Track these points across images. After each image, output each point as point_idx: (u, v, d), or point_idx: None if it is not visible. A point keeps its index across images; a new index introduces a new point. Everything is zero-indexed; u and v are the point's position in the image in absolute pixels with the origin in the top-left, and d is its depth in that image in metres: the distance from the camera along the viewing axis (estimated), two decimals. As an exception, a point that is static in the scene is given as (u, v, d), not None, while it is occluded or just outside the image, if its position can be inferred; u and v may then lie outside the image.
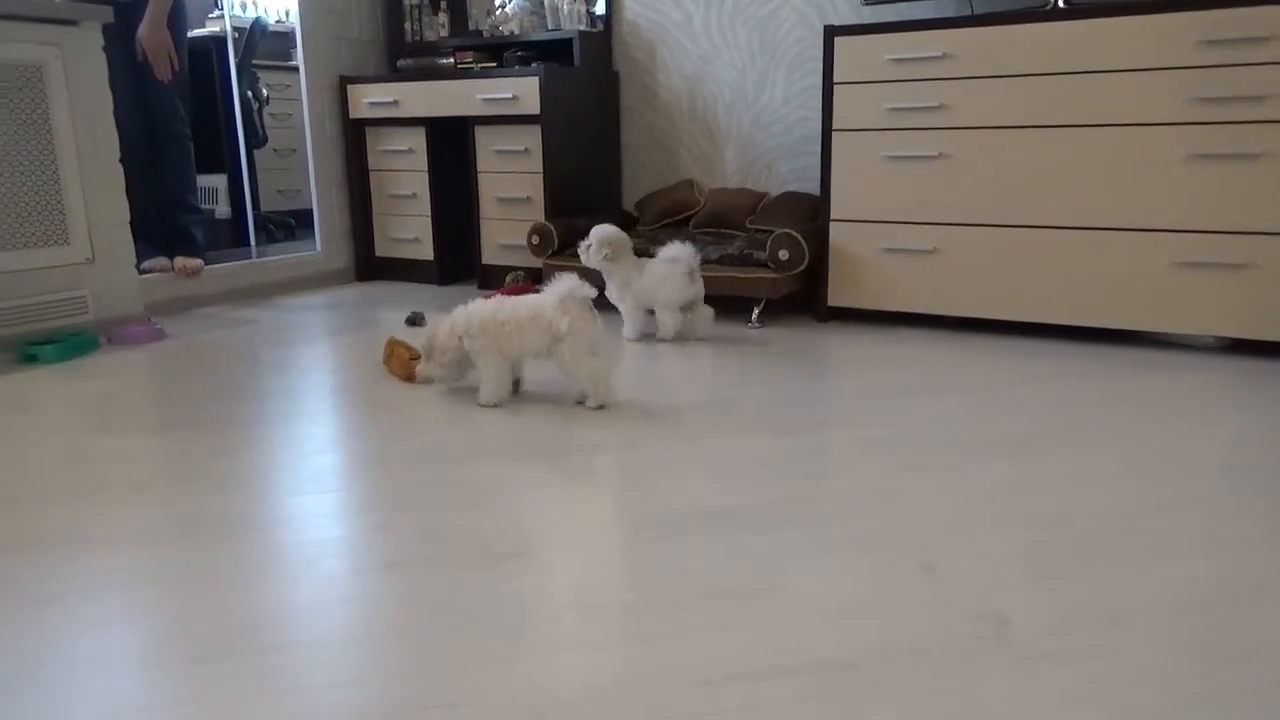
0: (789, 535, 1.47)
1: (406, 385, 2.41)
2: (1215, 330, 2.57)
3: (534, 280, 3.60)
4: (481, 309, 2.19)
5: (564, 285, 2.13)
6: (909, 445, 1.89)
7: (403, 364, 2.45)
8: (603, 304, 2.51)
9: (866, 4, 3.08)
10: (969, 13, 3.00)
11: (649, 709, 1.03)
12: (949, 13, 3.09)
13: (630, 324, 2.89)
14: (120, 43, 3.18)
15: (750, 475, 1.74)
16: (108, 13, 2.94)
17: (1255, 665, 1.10)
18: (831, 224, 3.00)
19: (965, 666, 1.10)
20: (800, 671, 1.09)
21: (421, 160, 3.90)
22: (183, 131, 3.52)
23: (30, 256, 2.80)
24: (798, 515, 1.55)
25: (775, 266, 2.97)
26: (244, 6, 4.44)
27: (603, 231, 2.81)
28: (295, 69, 3.96)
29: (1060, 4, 2.79)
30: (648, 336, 2.90)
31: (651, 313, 2.87)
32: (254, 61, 4.38)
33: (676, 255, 2.74)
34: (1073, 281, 2.71)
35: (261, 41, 4.34)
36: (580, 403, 2.19)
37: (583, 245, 2.84)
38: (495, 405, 2.20)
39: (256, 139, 4.44)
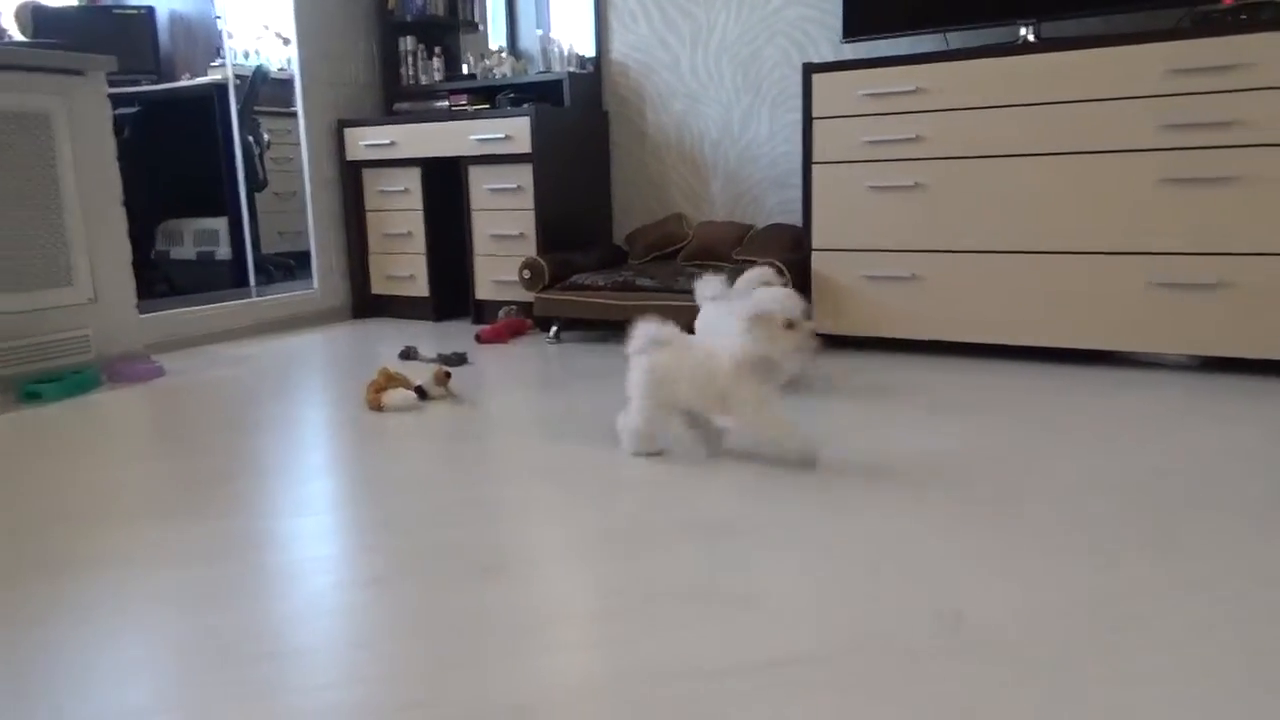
0: (755, 543, 1.52)
1: (380, 414, 2.49)
2: (1189, 349, 2.63)
3: (526, 314, 3.68)
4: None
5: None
6: (880, 462, 1.94)
7: (374, 393, 2.55)
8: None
9: (846, 41, 3.18)
10: (944, 48, 3.09)
11: (626, 703, 1.07)
12: (925, 49, 3.19)
13: None
14: None
15: (730, 494, 1.79)
16: (112, 62, 3.05)
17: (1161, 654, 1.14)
18: (813, 253, 3.08)
19: (923, 656, 1.15)
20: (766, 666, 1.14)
21: (417, 200, 4.00)
22: None
23: (35, 298, 2.88)
24: (769, 528, 1.60)
25: (761, 296, 3.03)
26: (246, 55, 4.58)
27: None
28: (295, 114, 4.07)
29: (1031, 39, 2.89)
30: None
31: None
32: (255, 108, 4.51)
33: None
34: (1049, 304, 2.77)
35: (263, 88, 4.47)
36: None
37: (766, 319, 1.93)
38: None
39: (257, 183, 4.56)
